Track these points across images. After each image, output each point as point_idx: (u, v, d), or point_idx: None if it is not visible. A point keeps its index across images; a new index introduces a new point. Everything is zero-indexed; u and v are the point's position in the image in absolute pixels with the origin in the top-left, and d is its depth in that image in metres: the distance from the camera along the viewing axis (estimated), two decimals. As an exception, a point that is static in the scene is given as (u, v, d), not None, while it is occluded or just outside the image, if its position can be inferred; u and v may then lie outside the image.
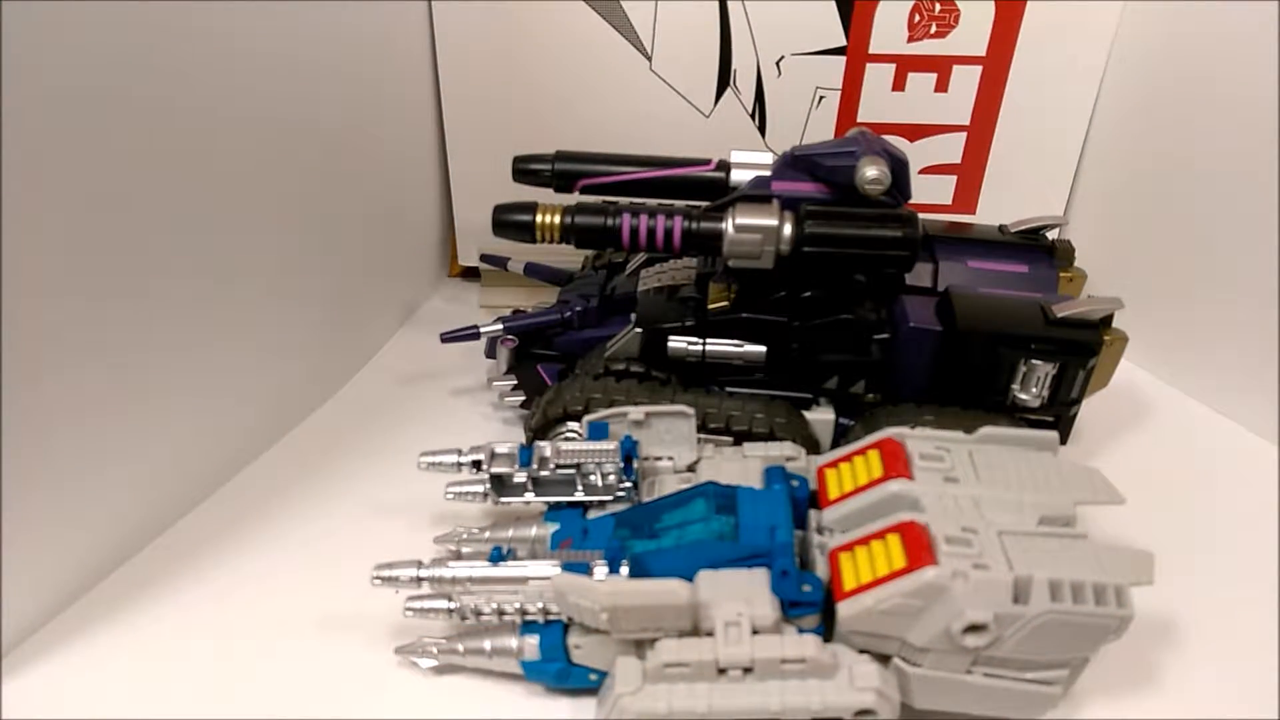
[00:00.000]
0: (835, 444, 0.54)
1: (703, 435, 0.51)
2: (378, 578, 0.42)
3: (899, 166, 0.50)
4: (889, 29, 0.65)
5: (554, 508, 0.47)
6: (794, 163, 0.51)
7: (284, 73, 0.54)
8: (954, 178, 0.71)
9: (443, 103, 0.69)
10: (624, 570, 0.40)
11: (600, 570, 0.40)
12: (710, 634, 0.38)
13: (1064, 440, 0.53)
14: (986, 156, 0.70)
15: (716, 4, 0.65)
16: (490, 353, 0.61)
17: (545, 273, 0.66)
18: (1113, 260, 0.67)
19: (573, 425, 0.52)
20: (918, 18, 0.65)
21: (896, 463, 0.43)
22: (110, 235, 0.44)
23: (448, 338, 0.59)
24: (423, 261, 0.75)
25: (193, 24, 0.46)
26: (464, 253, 0.75)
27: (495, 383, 0.60)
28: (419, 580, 0.42)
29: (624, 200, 0.54)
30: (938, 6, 0.64)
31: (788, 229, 0.49)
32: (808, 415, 0.54)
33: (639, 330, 0.54)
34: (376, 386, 0.65)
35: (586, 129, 0.68)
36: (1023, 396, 0.51)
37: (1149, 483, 0.57)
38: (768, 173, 0.53)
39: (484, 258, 0.69)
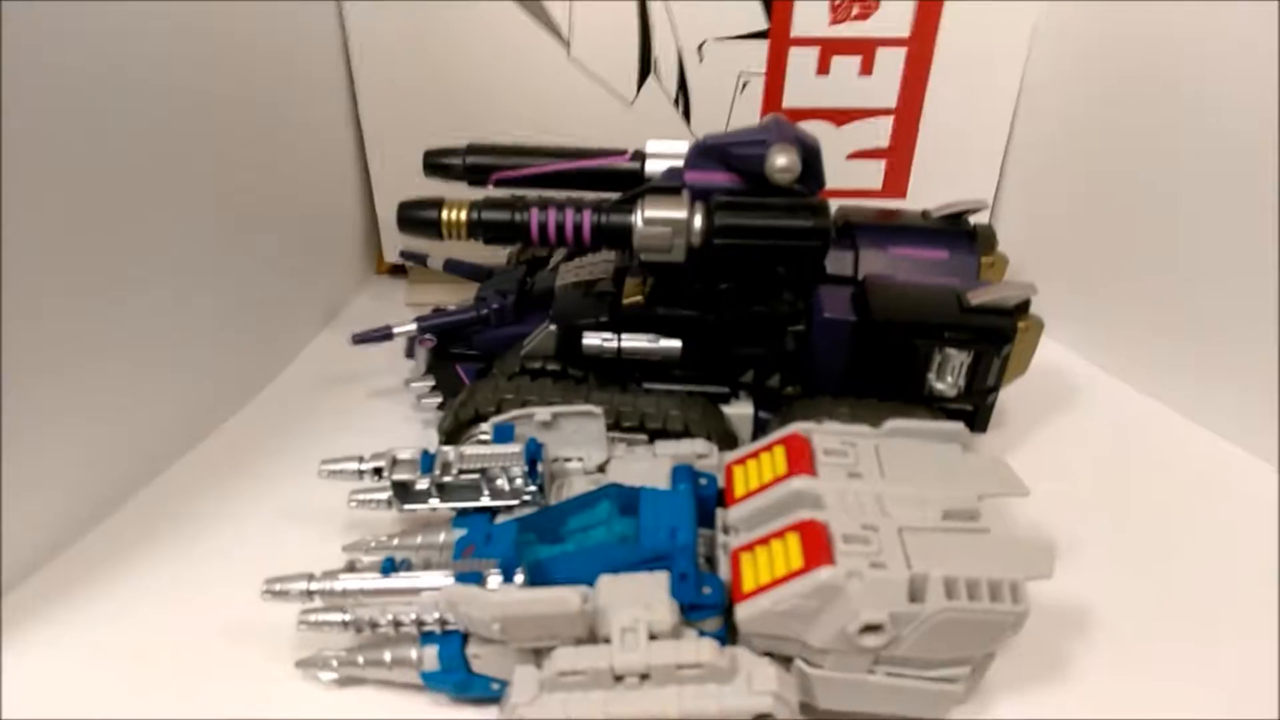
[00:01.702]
0: (755, 438, 0.53)
1: (618, 433, 0.50)
2: (268, 592, 0.41)
3: (810, 154, 0.49)
4: (811, 12, 0.64)
5: (462, 514, 0.46)
6: (706, 152, 0.50)
7: (183, 60, 0.52)
8: (883, 162, 0.71)
9: (358, 96, 0.67)
10: (519, 578, 0.39)
11: (494, 579, 0.39)
12: (608, 640, 0.37)
13: (984, 428, 0.53)
14: (915, 140, 0.69)
15: (634, -10, 0.64)
16: (410, 353, 0.60)
17: (465, 269, 0.64)
18: (1041, 242, 0.67)
19: (485, 427, 0.51)
20: (839, 1, 0.64)
21: (800, 459, 0.42)
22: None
23: (359, 339, 0.58)
24: (346, 259, 0.73)
25: (99, 16, 0.45)
26: (388, 249, 0.73)
27: (413, 384, 0.58)
28: (310, 594, 0.40)
29: (533, 194, 0.52)
30: (859, -6, 0.63)
31: (698, 221, 0.48)
32: (726, 410, 0.53)
33: (554, 327, 0.53)
34: (297, 390, 0.64)
35: (507, 120, 0.67)
36: (939, 386, 0.50)
37: (1076, 468, 0.58)
38: (681, 162, 0.52)
39: (404, 254, 0.67)
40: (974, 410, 0.52)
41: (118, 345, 0.51)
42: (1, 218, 0.42)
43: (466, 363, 0.58)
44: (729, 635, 0.39)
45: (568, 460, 0.48)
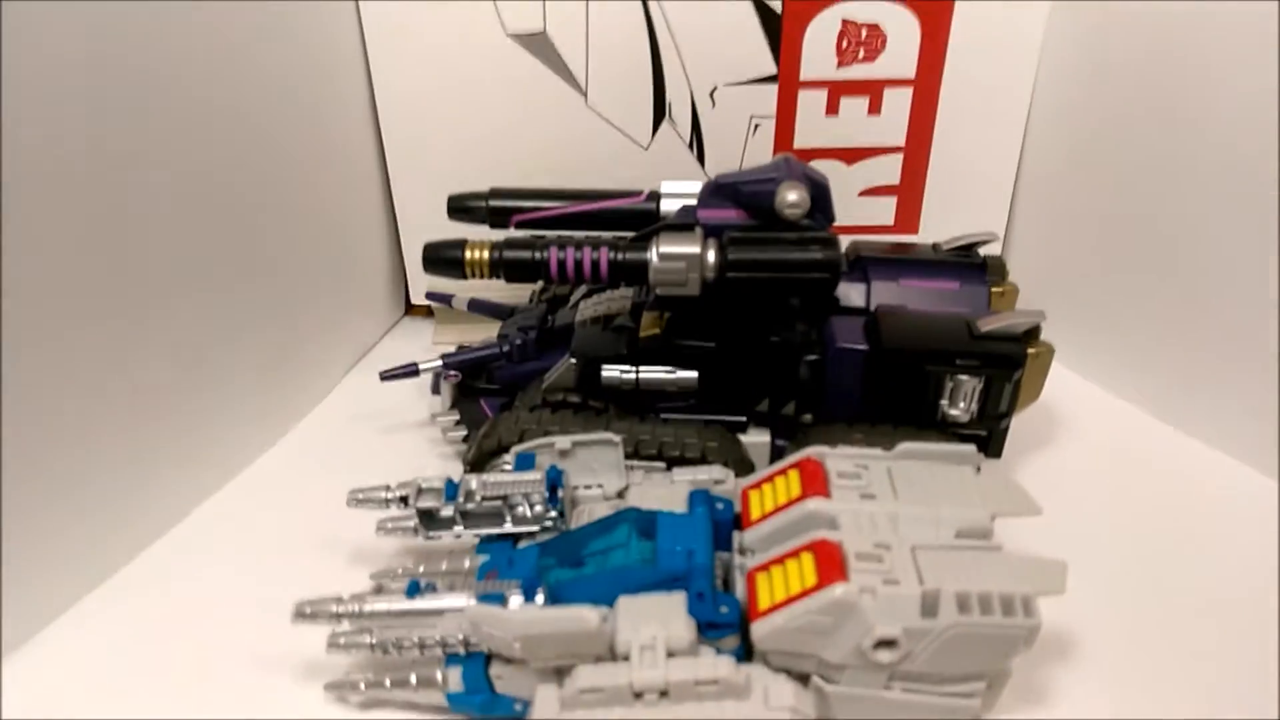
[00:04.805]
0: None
1: (636, 461, 0.51)
2: (299, 615, 0.42)
3: (819, 190, 0.51)
4: (818, 56, 0.66)
5: (486, 540, 0.48)
6: (718, 191, 0.52)
7: (213, 105, 0.55)
8: (894, 198, 0.72)
9: (385, 146, 0.70)
10: (539, 599, 0.40)
11: (515, 600, 0.40)
12: (628, 658, 0.38)
13: (999, 454, 0.54)
14: (925, 176, 0.71)
15: (647, 40, 0.66)
16: (436, 388, 0.62)
17: (488, 308, 0.67)
18: (1051, 272, 0.68)
19: (507, 457, 0.52)
20: (845, 43, 0.66)
21: (814, 482, 0.43)
22: (21, 280, 0.44)
23: (387, 376, 0.60)
24: (374, 301, 0.76)
25: (128, 61, 0.48)
26: (415, 291, 0.76)
27: (439, 418, 0.60)
28: (338, 616, 0.42)
29: (552, 234, 0.55)
30: (864, 31, 0.65)
31: (711, 255, 0.50)
32: (743, 438, 0.54)
33: (574, 361, 0.55)
34: (328, 426, 0.66)
35: (529, 165, 0.69)
36: (952, 412, 0.51)
37: (1086, 491, 0.58)
38: (695, 201, 0.54)
39: (430, 295, 0.70)
40: (988, 436, 0.52)
41: (156, 385, 0.53)
42: (29, 260, 0.44)
43: (490, 397, 0.60)
44: (746, 654, 0.40)
45: (587, 487, 0.49)
